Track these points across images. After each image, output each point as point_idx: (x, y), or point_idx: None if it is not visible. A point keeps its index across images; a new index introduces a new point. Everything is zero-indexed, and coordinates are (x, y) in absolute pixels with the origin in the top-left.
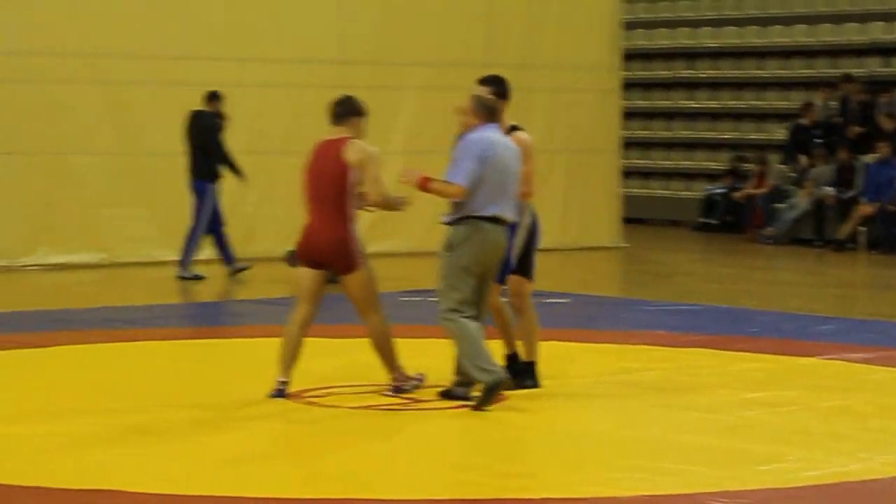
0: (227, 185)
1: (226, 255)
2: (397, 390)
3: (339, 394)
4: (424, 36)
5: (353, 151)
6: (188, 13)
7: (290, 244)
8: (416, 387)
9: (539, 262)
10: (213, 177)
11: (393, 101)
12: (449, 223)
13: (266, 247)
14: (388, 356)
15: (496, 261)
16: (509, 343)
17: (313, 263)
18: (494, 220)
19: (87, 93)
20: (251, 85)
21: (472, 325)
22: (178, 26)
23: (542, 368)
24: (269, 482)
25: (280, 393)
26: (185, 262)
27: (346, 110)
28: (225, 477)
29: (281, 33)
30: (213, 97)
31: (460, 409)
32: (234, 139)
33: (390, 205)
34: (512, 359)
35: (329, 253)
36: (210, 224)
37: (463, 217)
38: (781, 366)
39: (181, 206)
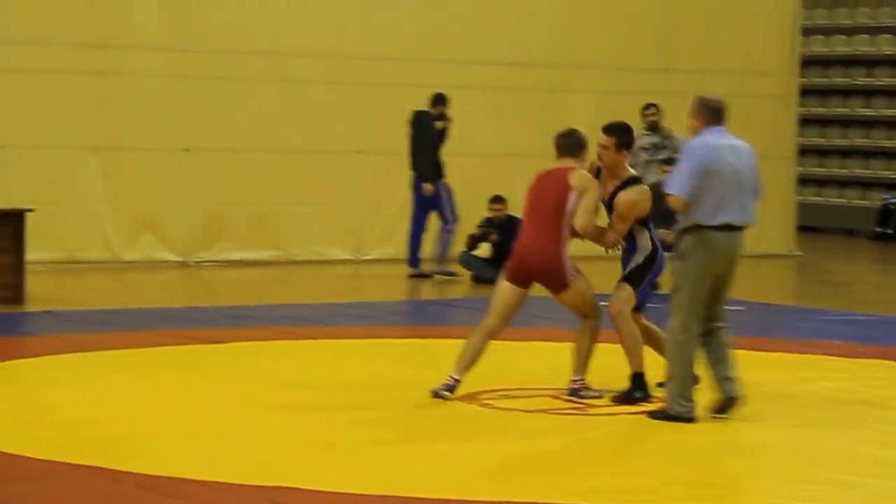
0: (399, 185)
1: (414, 256)
2: (574, 393)
3: (515, 396)
4: (600, 40)
5: (578, 177)
6: (372, 15)
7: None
8: (593, 398)
9: None
10: (435, 175)
11: (567, 104)
12: (679, 232)
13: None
14: (582, 359)
15: (731, 269)
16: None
17: (521, 280)
18: (725, 227)
19: (268, 91)
20: (431, 86)
21: (691, 351)
22: (359, 27)
23: None
24: (444, 483)
25: (450, 388)
26: (440, 259)
27: (573, 143)
28: (398, 476)
29: (460, 36)
30: (438, 100)
31: (634, 416)
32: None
33: (596, 237)
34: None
35: (539, 269)
36: (416, 220)
37: (691, 226)
38: None
39: (358, 204)
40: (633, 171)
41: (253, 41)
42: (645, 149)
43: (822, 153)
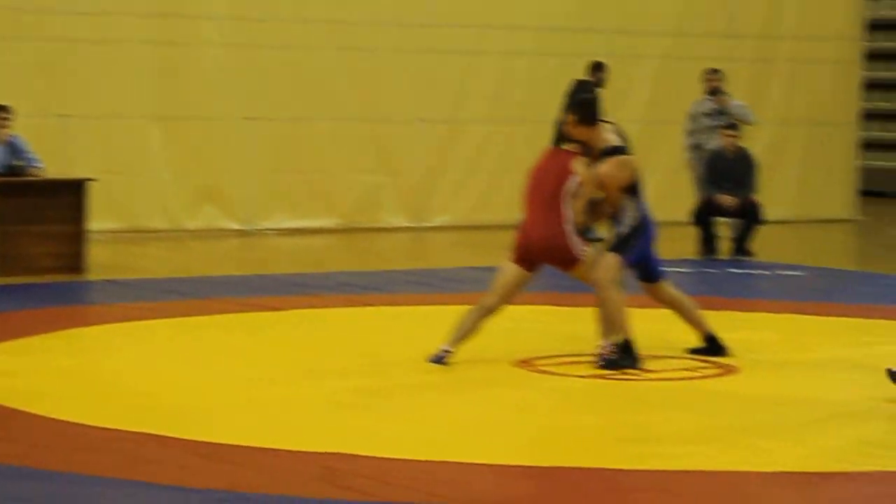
0: (463, 153)
1: None
2: (603, 360)
3: (570, 363)
4: (665, 5)
5: (582, 165)
6: None
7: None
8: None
9: (773, 233)
10: None
11: (631, 70)
12: None
13: (502, 215)
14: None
15: None
16: (698, 326)
17: (525, 262)
18: None
19: (331, 59)
20: (492, 52)
21: None
22: None
23: (778, 341)
24: (500, 449)
25: (440, 359)
26: None
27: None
28: (455, 443)
29: (519, 1)
30: (598, 67)
31: (693, 381)
32: (472, 107)
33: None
34: (709, 339)
35: (544, 251)
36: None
37: None
38: None
39: (417, 173)
40: (612, 141)
41: (313, 9)
42: (707, 114)
43: (888, 117)
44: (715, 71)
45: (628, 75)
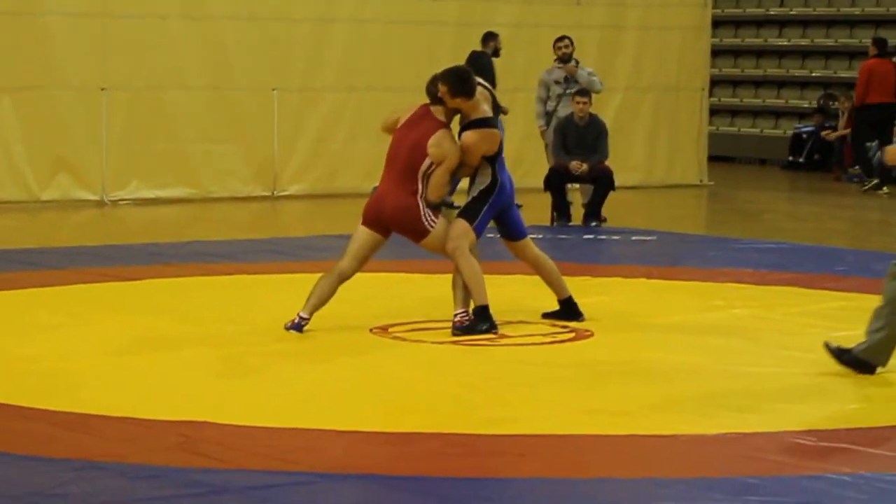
0: (314, 121)
1: None
2: (458, 327)
3: (425, 329)
4: None
5: (435, 145)
6: None
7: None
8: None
9: (625, 199)
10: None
11: (478, 38)
12: None
13: (354, 183)
14: (463, 293)
15: None
16: (557, 289)
17: (376, 226)
18: None
19: (182, 29)
20: (342, 20)
21: None
22: None
23: (630, 306)
24: (356, 416)
25: (297, 326)
26: None
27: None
28: (312, 410)
29: None
30: (489, 37)
31: (547, 345)
32: (323, 76)
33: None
34: (566, 302)
35: (395, 220)
36: None
37: None
38: (870, 304)
39: (269, 141)
40: (484, 113)
41: None
42: (557, 82)
43: (736, 83)
44: (563, 38)
45: (479, 43)
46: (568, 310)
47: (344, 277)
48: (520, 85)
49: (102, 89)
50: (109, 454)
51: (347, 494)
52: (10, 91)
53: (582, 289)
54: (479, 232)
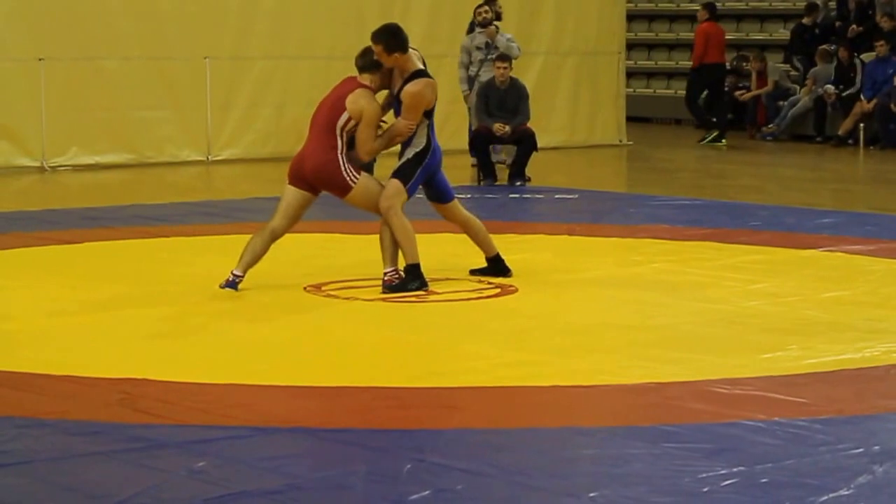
0: (246, 89)
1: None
2: (389, 286)
3: (357, 287)
4: None
5: (353, 102)
6: None
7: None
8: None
9: (547, 159)
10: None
11: (407, 3)
12: None
13: (284, 147)
14: (389, 251)
15: None
16: (485, 246)
17: (301, 184)
18: None
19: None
20: None
21: None
22: None
23: (554, 261)
24: (291, 371)
25: (232, 284)
26: None
27: (369, 63)
28: (247, 367)
29: None
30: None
31: (474, 301)
32: (253, 44)
33: (388, 143)
34: (493, 260)
35: (316, 178)
36: None
37: None
38: (783, 258)
39: (203, 108)
40: (420, 66)
41: None
42: (479, 47)
43: (651, 47)
44: (483, 4)
45: (404, 9)
46: (496, 266)
47: (276, 235)
48: (445, 51)
49: (40, 59)
50: (51, 411)
51: (281, 447)
52: None
53: (507, 246)
54: (411, 193)
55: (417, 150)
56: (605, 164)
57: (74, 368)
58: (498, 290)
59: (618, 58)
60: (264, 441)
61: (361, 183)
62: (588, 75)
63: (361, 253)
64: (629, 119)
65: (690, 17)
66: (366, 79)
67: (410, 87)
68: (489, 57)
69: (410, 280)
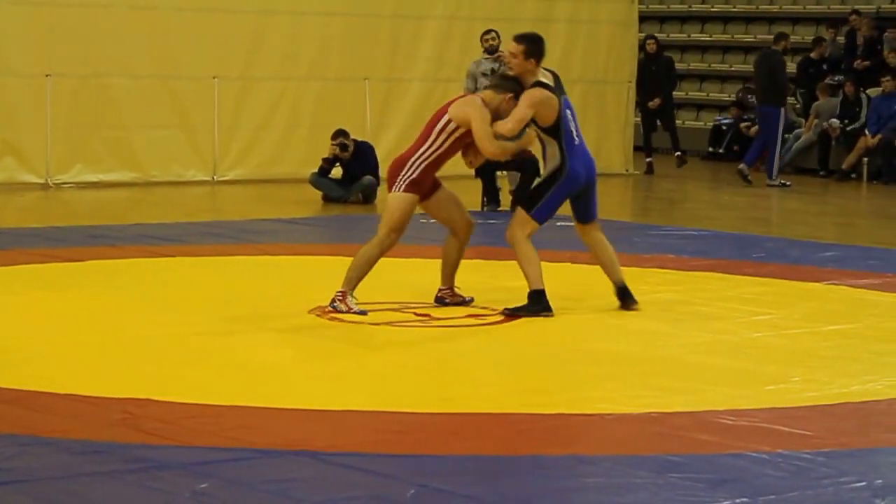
0: (253, 109)
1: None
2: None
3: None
4: None
5: (456, 107)
6: None
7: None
8: (355, 312)
9: None
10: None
11: (416, 29)
12: None
13: (292, 169)
14: (357, 273)
15: None
16: (612, 275)
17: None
18: None
19: (125, 18)
20: (282, 12)
21: None
22: None
23: (560, 290)
24: (293, 395)
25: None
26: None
27: (494, 83)
28: (252, 389)
29: None
30: (780, 37)
31: (481, 327)
32: (263, 65)
33: (517, 149)
34: (621, 289)
35: (389, 169)
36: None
37: None
38: (787, 290)
39: (210, 127)
40: (542, 79)
41: None
42: (485, 73)
43: None
44: (490, 31)
45: (413, 34)
46: (622, 296)
47: (455, 233)
48: (453, 76)
49: (47, 76)
50: (54, 430)
51: (285, 470)
52: None
53: (510, 273)
54: (541, 217)
55: (551, 169)
56: (611, 192)
57: (77, 387)
58: (503, 317)
59: (627, 87)
60: (268, 464)
61: (400, 196)
62: (596, 104)
63: (367, 277)
64: (636, 149)
65: (699, 48)
66: (486, 94)
67: (526, 93)
68: None
69: (533, 304)
